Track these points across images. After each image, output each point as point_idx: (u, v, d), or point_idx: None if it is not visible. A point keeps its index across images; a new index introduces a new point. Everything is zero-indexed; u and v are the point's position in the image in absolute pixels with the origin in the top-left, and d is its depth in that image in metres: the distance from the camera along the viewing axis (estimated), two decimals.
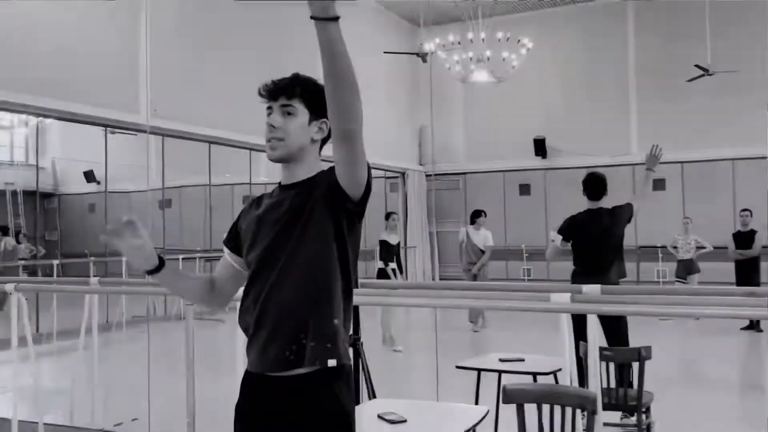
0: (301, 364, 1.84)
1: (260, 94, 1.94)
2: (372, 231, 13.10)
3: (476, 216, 9.57)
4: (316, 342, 1.84)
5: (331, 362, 1.84)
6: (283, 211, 1.91)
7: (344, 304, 1.92)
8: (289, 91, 1.92)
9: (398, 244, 8.62)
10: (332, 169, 1.85)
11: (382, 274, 8.35)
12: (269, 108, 1.94)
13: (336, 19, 1.57)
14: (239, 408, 1.98)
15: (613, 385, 3.84)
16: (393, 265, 8.41)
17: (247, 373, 1.96)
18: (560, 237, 4.96)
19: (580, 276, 4.87)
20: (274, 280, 1.87)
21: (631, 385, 3.77)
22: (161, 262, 1.95)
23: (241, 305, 1.98)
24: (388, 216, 8.62)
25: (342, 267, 1.90)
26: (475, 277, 9.39)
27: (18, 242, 11.30)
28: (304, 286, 1.85)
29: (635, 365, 3.76)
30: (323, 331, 1.85)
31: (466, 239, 9.50)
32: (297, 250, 1.86)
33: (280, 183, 2.01)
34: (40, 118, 9.80)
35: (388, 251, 8.41)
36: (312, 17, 1.56)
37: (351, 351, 3.85)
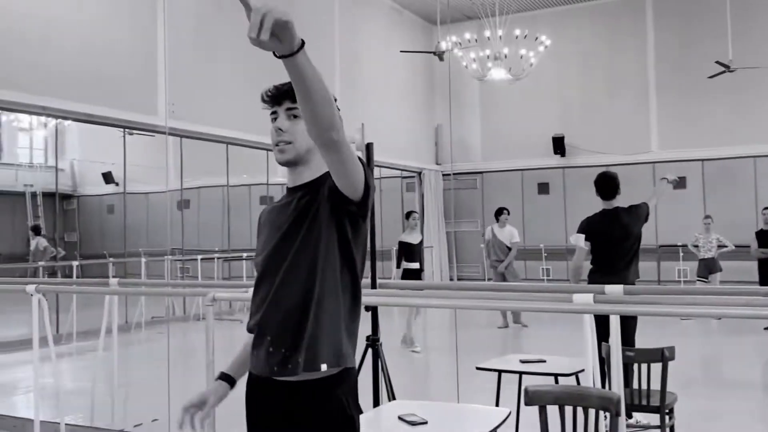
0: (300, 370, 1.82)
1: (263, 100, 1.94)
2: (389, 232, 13.09)
3: (499, 213, 9.65)
4: (310, 346, 1.82)
5: (323, 366, 1.82)
6: (289, 213, 1.91)
7: (350, 306, 1.90)
8: (293, 95, 1.90)
9: (420, 243, 8.51)
10: None
11: (408, 274, 8.25)
12: (274, 113, 1.94)
13: (302, 47, 1.49)
14: (247, 411, 1.98)
15: (635, 386, 3.79)
16: (415, 265, 8.29)
17: (250, 375, 1.96)
18: (583, 236, 4.89)
19: (597, 275, 4.83)
20: (278, 283, 1.87)
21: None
22: (231, 382, 2.04)
23: (250, 308, 1.98)
24: (408, 215, 8.54)
25: (347, 269, 1.89)
26: (503, 275, 9.41)
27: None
28: (307, 289, 1.84)
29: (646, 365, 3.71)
30: (324, 336, 1.84)
31: (491, 237, 9.55)
32: (301, 252, 1.85)
33: (286, 186, 2.01)
34: (59, 120, 9.88)
35: (409, 252, 8.31)
36: (279, 56, 1.48)
37: (370, 352, 3.87)
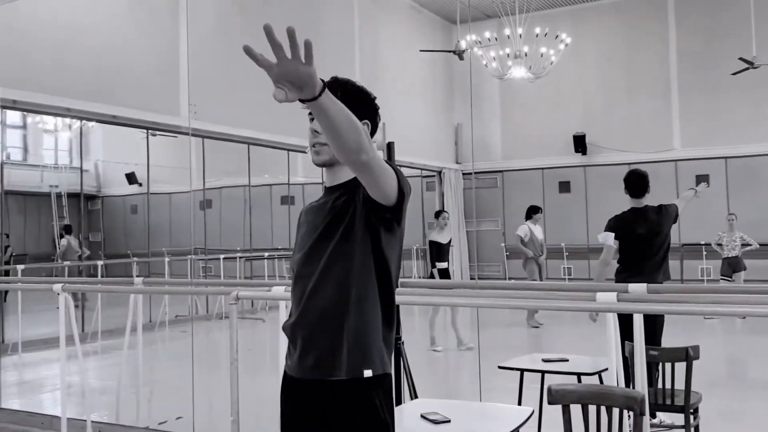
0: (337, 373, 1.82)
1: (301, 101, 1.95)
2: (409, 231, 13.07)
3: (535, 212, 10.00)
4: (351, 349, 1.82)
5: (367, 373, 1.83)
6: (325, 214, 1.91)
7: (385, 310, 1.90)
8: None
9: (449, 242, 8.46)
10: None
11: (438, 273, 8.22)
12: (311, 113, 1.93)
13: (324, 89, 1.52)
14: (281, 410, 1.99)
15: (659, 385, 3.77)
16: (443, 264, 8.26)
17: (285, 375, 1.97)
18: (612, 235, 4.79)
19: (625, 274, 4.73)
20: (313, 285, 1.87)
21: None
22: None
23: (290, 308, 1.99)
24: (438, 214, 8.54)
25: (381, 272, 1.88)
26: (540, 268, 9.91)
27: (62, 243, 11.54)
28: (343, 292, 1.84)
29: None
30: (358, 338, 1.83)
31: (530, 234, 9.82)
32: (336, 254, 1.85)
33: (324, 185, 2.01)
34: (84, 122, 10.00)
35: (439, 251, 8.29)
36: (303, 101, 1.51)
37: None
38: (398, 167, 1.83)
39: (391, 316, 1.92)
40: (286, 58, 1.43)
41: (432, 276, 8.20)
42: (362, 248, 1.85)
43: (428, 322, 8.29)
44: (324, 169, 1.98)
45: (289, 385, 1.95)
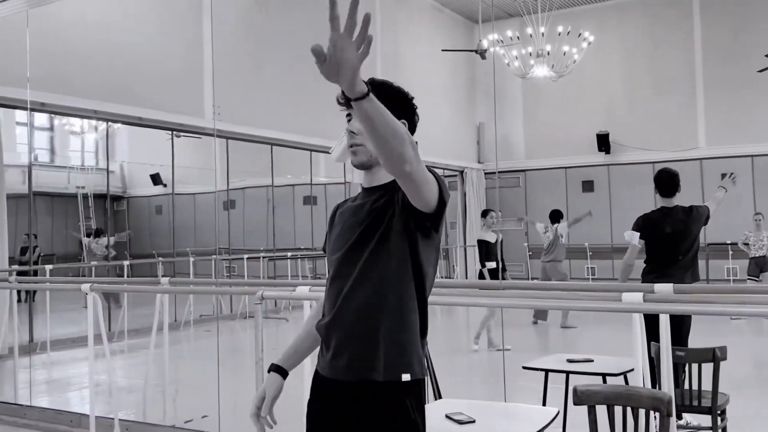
0: (372, 375, 1.82)
1: (339, 102, 1.91)
2: None
3: (562, 216, 9.98)
4: (388, 352, 1.82)
5: (405, 377, 1.82)
6: (364, 214, 1.90)
7: (419, 314, 1.89)
8: None
9: (497, 242, 8.36)
10: None
11: (492, 275, 8.12)
12: (348, 115, 1.93)
13: (366, 95, 1.51)
14: (309, 408, 1.99)
15: (685, 386, 3.74)
16: (492, 264, 8.19)
17: (317, 375, 1.97)
18: (638, 234, 4.75)
19: (652, 275, 4.65)
20: (350, 286, 1.86)
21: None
22: (283, 374, 2.06)
23: (323, 307, 1.99)
24: (485, 213, 8.48)
25: (418, 278, 1.87)
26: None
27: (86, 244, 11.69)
28: (380, 295, 1.83)
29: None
30: (396, 342, 1.83)
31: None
32: (374, 256, 1.84)
33: (362, 186, 2.00)
34: (109, 123, 10.13)
35: (488, 250, 8.22)
36: (350, 99, 1.52)
37: None
38: (439, 174, 1.81)
39: (425, 323, 1.92)
40: (350, 37, 1.43)
41: (481, 276, 8.12)
42: (400, 253, 1.84)
43: (481, 320, 8.18)
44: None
45: (319, 384, 1.96)
